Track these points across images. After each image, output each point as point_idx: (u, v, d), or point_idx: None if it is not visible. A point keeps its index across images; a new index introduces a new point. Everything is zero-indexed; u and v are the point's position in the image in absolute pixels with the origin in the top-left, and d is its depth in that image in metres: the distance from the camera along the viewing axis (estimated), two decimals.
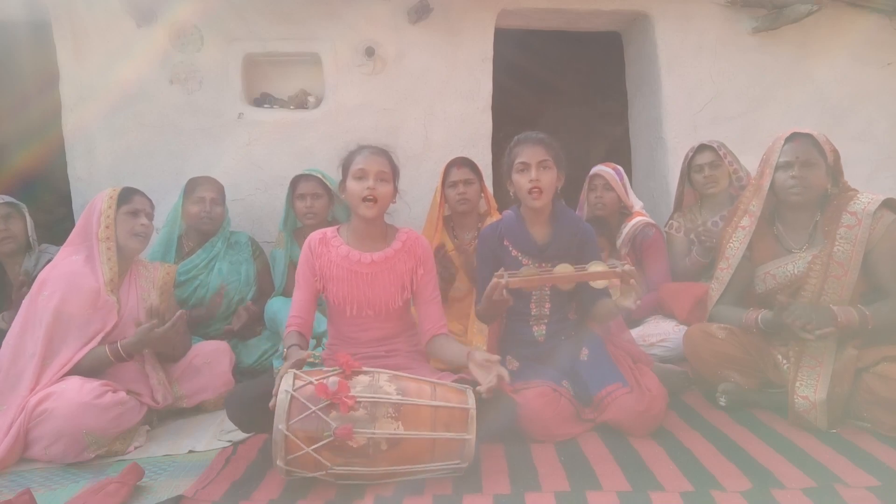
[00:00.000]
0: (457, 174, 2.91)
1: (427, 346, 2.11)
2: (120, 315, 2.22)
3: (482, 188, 3.01)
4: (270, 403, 1.67)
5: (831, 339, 2.01)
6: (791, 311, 2.00)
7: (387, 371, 1.79)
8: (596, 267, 1.92)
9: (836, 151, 2.16)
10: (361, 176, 2.01)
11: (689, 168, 2.99)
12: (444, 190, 2.95)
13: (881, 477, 1.65)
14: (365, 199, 2.00)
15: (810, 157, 2.11)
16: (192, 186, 2.96)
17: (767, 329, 2.13)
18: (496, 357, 1.83)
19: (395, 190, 2.10)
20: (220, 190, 3.01)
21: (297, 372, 1.71)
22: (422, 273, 2.12)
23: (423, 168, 3.51)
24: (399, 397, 1.68)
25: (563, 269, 1.94)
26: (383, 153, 2.09)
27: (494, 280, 1.89)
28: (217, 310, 2.93)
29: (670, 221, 3.09)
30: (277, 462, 1.62)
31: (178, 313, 2.16)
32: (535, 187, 2.08)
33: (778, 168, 2.16)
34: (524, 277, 1.90)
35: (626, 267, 1.86)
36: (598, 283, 1.95)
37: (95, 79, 3.29)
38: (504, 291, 1.89)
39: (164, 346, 2.26)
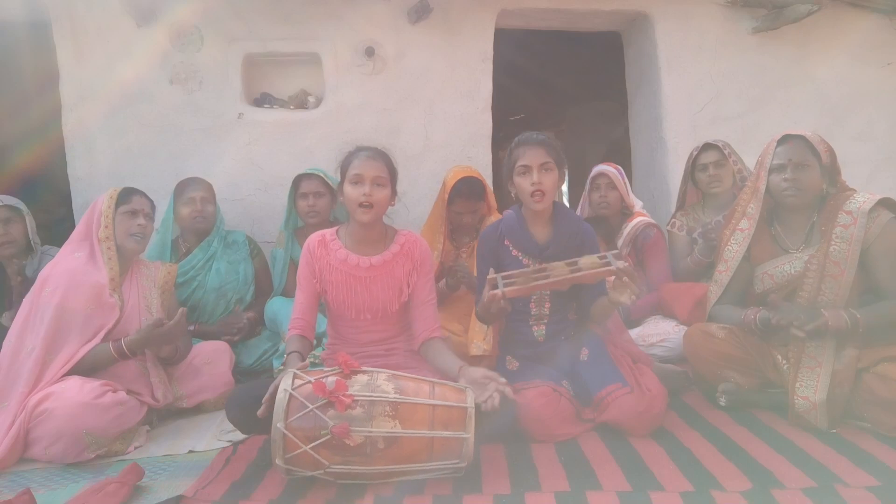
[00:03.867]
0: (464, 206, 2.75)
1: (420, 350, 2.09)
2: (122, 312, 2.22)
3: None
4: (259, 411, 1.68)
5: (829, 340, 2.00)
6: (779, 311, 2.00)
7: (386, 370, 1.78)
8: (589, 261, 1.92)
9: (831, 151, 2.15)
10: (358, 181, 1.99)
11: (693, 167, 2.98)
12: (448, 206, 2.79)
13: (881, 477, 1.65)
14: (361, 205, 1.98)
15: (803, 158, 2.10)
16: (181, 189, 2.96)
17: (765, 329, 2.13)
18: (495, 375, 1.80)
19: (394, 193, 2.08)
20: (210, 188, 3.01)
21: (296, 371, 1.72)
22: (417, 276, 2.10)
23: (423, 168, 3.51)
24: (396, 396, 1.68)
25: (557, 267, 1.94)
26: (381, 156, 2.05)
27: (491, 293, 1.87)
28: (230, 330, 2.84)
29: (672, 220, 3.08)
30: (277, 461, 1.62)
31: (180, 311, 2.17)
32: (537, 190, 2.07)
33: (771, 171, 2.16)
34: (520, 287, 1.89)
35: (621, 264, 1.86)
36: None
37: (95, 79, 3.28)
38: (502, 301, 1.88)
39: (168, 342, 2.26)
